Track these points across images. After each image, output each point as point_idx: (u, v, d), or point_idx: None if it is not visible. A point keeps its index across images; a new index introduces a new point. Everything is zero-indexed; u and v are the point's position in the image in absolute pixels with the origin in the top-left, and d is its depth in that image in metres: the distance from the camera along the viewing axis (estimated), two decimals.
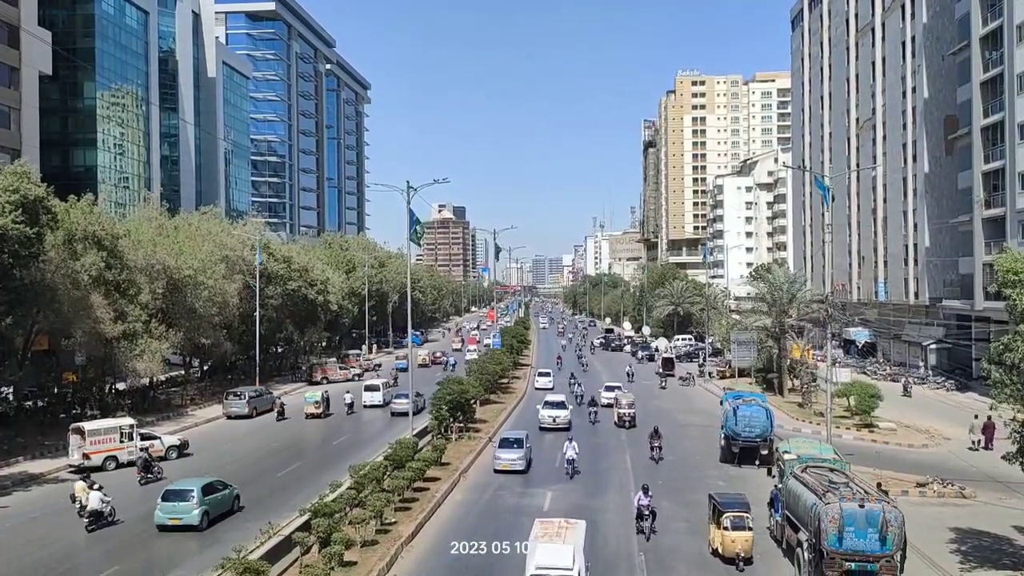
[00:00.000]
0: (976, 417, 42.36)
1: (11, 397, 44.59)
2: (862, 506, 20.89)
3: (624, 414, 46.88)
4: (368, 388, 55.93)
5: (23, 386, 44.39)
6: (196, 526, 26.67)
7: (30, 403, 46.36)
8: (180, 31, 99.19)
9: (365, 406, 54.18)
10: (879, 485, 26.90)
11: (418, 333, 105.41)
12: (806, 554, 22.04)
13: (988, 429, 40.84)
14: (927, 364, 68.47)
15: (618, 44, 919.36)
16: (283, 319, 69.42)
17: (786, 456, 26.48)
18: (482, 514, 29.17)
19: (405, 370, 64.38)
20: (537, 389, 61.68)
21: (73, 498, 28.52)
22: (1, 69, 63.09)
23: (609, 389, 54.99)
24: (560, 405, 47.00)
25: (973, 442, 41.07)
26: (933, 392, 60.50)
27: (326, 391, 54.82)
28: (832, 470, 24.78)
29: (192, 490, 27.14)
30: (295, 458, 38.75)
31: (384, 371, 71.99)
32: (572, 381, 61.70)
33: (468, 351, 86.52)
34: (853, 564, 20.72)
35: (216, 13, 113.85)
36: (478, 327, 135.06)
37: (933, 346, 68.52)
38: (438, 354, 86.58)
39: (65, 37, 76.26)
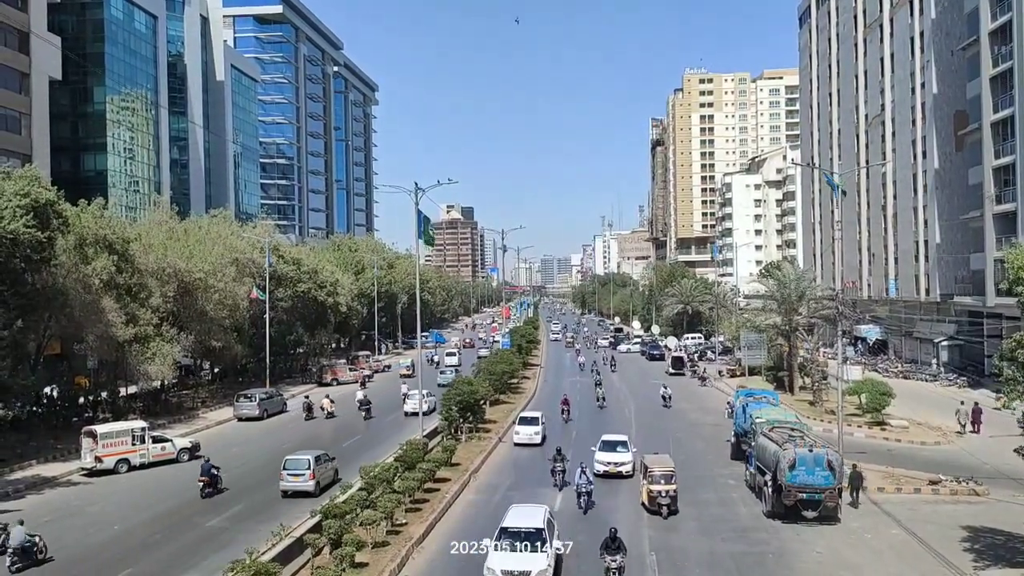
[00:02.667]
0: (962, 403, 45.32)
1: (53, 394, 46.37)
2: (811, 450, 27.43)
3: (659, 493, 28.02)
4: (449, 354, 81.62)
5: (35, 390, 44.60)
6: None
7: (42, 407, 46.59)
8: (188, 35, 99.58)
9: (447, 366, 73.23)
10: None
11: (439, 332, 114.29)
12: (769, 489, 28.30)
13: (976, 414, 44.05)
14: (939, 361, 68.13)
15: (625, 43, 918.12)
16: (293, 321, 69.63)
17: (758, 420, 32.73)
18: (492, 515, 29.15)
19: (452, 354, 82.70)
20: (517, 445, 41.11)
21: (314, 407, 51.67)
22: (11, 75, 63.49)
23: (609, 446, 34.89)
24: (531, 537, 22.43)
25: (961, 427, 43.63)
26: (945, 389, 60.21)
27: (412, 360, 71.76)
28: (793, 429, 31.00)
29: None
30: None
31: (394, 372, 75.21)
32: (558, 462, 32.42)
33: (491, 339, 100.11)
34: (804, 495, 27.02)
35: (224, 17, 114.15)
36: (493, 321, 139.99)
37: (944, 343, 68.16)
38: (468, 340, 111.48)
39: (75, 42, 76.71)
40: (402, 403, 52.65)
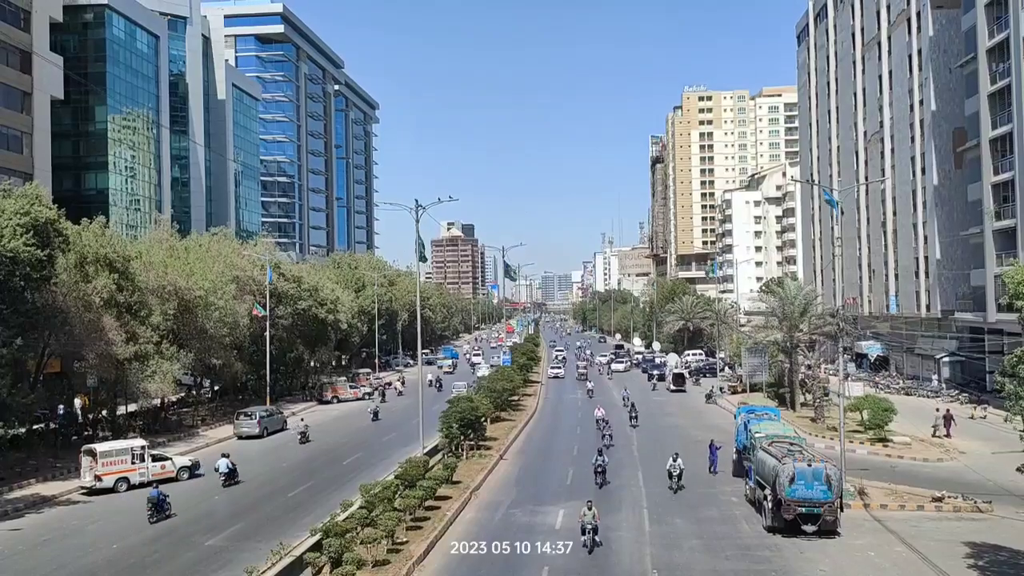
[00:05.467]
0: (937, 410, 49.36)
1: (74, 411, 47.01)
2: (810, 465, 27.51)
3: None
4: (474, 355, 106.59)
5: (35, 408, 44.48)
6: None
7: (42, 425, 46.47)
8: (190, 54, 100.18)
9: (474, 364, 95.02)
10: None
11: (452, 347, 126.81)
12: (769, 503, 28.37)
13: (947, 420, 47.44)
14: (940, 377, 67.97)
15: (625, 59, 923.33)
16: (293, 339, 69.52)
17: (757, 435, 32.68)
18: (494, 532, 28.99)
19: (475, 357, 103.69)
20: None
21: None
22: (13, 94, 63.84)
23: None
24: None
25: (935, 432, 46.95)
26: (947, 405, 59.98)
27: (453, 362, 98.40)
28: (791, 444, 31.05)
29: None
30: (306, 477, 38.68)
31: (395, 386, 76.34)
32: None
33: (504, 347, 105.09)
34: (803, 509, 27.13)
35: (226, 36, 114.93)
36: (499, 335, 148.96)
37: (946, 359, 68.04)
38: (478, 348, 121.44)
39: (77, 62, 77.20)
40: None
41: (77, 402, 49.28)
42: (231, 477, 36.85)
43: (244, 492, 35.82)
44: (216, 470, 36.91)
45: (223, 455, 38.06)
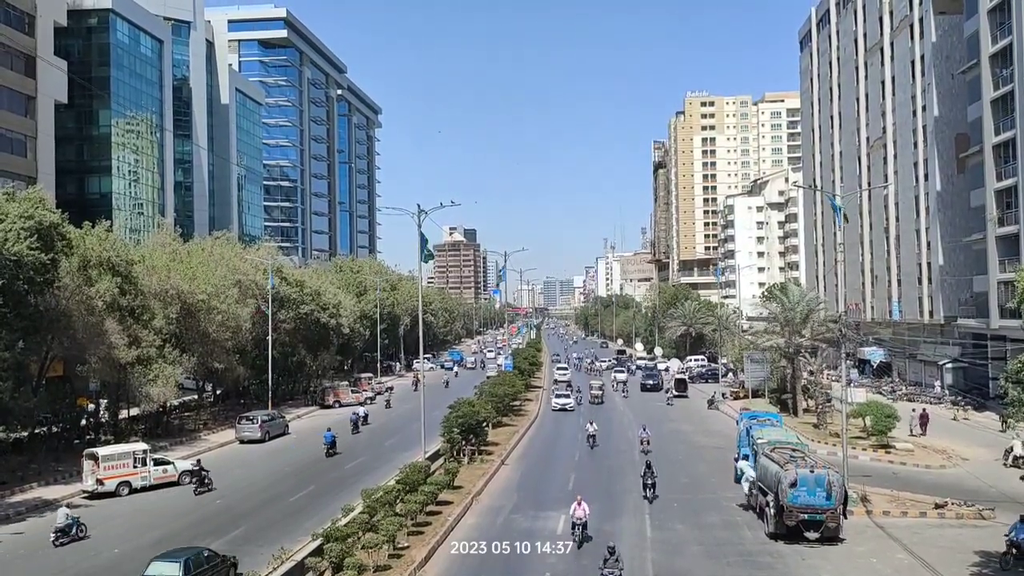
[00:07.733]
0: (913, 411, 52.14)
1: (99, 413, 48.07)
2: (812, 471, 27.50)
3: None
4: (489, 350, 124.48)
5: (37, 412, 44.53)
6: None
7: (44, 429, 46.51)
8: (194, 59, 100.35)
9: (498, 354, 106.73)
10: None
11: (458, 350, 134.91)
12: (771, 510, 28.28)
13: (923, 419, 50.11)
14: (943, 383, 67.88)
15: (627, 64, 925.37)
16: (296, 343, 69.53)
17: (759, 441, 32.97)
18: (495, 537, 28.95)
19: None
20: None
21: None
22: (17, 98, 63.99)
23: None
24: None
25: (911, 430, 49.30)
26: (950, 412, 59.92)
27: (475, 358, 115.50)
28: (794, 450, 31.31)
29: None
30: (307, 482, 38.64)
31: (398, 391, 75.99)
32: None
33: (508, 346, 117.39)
34: (806, 515, 27.17)
35: (229, 41, 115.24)
36: (503, 336, 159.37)
37: (949, 365, 67.95)
38: (488, 348, 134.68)
39: (81, 66, 77.28)
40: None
41: (102, 402, 49.25)
42: (365, 421, 53.06)
43: (245, 496, 35.79)
44: (354, 414, 53.50)
45: (360, 403, 59.73)
